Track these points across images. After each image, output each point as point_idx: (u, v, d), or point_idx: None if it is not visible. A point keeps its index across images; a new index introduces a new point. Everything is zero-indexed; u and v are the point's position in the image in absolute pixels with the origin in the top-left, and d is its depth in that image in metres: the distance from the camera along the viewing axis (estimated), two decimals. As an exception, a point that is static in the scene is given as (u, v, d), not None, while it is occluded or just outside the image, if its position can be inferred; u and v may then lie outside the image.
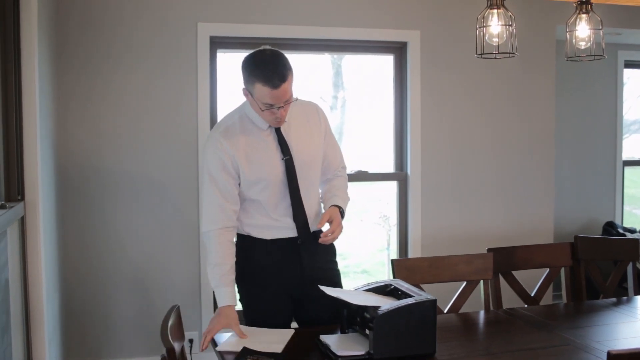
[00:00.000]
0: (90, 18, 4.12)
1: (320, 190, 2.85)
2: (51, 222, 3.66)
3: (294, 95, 2.58)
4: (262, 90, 2.48)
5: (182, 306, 2.55)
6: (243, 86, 2.59)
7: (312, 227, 2.72)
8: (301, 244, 2.69)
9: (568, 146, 5.86)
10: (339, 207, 2.72)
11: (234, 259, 2.66)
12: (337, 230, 2.64)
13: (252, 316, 2.77)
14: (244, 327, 2.58)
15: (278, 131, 2.66)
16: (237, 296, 2.75)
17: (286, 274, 2.70)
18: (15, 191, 3.09)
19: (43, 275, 3.23)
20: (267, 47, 2.59)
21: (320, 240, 2.62)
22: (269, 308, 2.72)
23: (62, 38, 4.06)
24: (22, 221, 3.13)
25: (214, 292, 2.70)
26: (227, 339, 2.50)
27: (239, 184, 2.66)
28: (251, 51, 2.62)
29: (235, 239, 2.71)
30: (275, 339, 2.48)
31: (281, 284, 2.70)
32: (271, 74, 2.46)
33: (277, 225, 2.69)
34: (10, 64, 3.06)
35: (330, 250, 2.83)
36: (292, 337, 2.51)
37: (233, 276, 2.64)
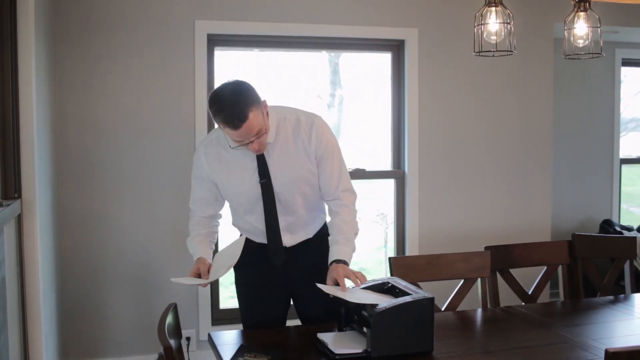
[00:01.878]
0: (89, 15, 4.11)
1: (320, 205, 2.80)
2: (48, 220, 3.65)
3: (265, 128, 2.47)
4: (226, 130, 2.44)
5: (179, 304, 2.55)
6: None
7: (287, 241, 2.71)
8: (277, 261, 2.71)
9: (565, 144, 5.86)
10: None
11: (210, 236, 2.77)
12: (359, 279, 2.50)
13: (246, 312, 2.80)
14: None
15: (259, 155, 2.60)
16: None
17: (279, 272, 2.70)
18: (12, 189, 3.08)
19: (40, 273, 3.22)
20: (231, 81, 2.49)
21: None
22: (263, 305, 2.74)
23: (59, 36, 4.05)
24: (19, 219, 3.12)
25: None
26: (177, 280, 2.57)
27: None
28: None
29: (210, 225, 2.81)
30: (227, 259, 2.55)
31: (274, 282, 2.71)
32: (229, 116, 2.38)
33: (258, 230, 2.71)
34: (7, 62, 3.05)
35: (327, 250, 2.82)
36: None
37: (206, 241, 2.73)
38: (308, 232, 2.75)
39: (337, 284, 2.48)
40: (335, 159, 2.71)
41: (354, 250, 2.67)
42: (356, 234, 2.71)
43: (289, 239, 2.70)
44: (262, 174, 2.60)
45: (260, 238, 2.72)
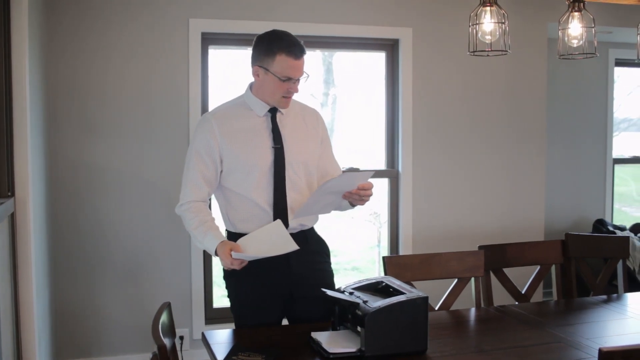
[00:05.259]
0: (82, 14, 4.10)
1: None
2: (41, 219, 3.64)
3: (309, 75, 2.68)
4: (283, 61, 2.57)
5: (172, 303, 2.54)
6: (254, 65, 2.64)
7: (292, 223, 2.68)
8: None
9: (559, 144, 5.88)
10: None
11: (212, 217, 2.68)
12: (369, 190, 2.61)
13: (240, 313, 2.76)
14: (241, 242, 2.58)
15: (273, 120, 2.69)
16: (226, 292, 2.78)
17: (274, 272, 2.68)
18: (5, 187, 3.07)
19: (33, 272, 3.21)
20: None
21: (353, 192, 2.59)
22: (257, 306, 2.71)
23: (51, 35, 4.04)
24: (12, 218, 3.11)
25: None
26: (238, 255, 2.47)
27: (221, 172, 2.69)
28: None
29: (209, 211, 2.72)
30: (279, 241, 2.51)
31: (269, 282, 2.69)
32: (292, 45, 2.58)
33: (259, 215, 2.66)
34: (0, 63, 3.04)
35: (322, 250, 2.83)
36: (286, 333, 2.50)
37: (216, 225, 2.65)
38: (308, 218, 2.75)
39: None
40: (331, 147, 2.91)
41: None
42: None
43: (292, 220, 2.69)
44: (276, 139, 2.67)
45: (259, 225, 2.67)
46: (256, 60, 2.64)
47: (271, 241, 2.53)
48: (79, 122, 4.14)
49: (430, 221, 4.78)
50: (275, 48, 2.57)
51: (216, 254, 2.56)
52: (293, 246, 2.49)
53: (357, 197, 2.61)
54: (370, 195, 2.65)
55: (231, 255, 2.47)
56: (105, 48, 4.15)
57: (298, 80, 2.63)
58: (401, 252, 4.72)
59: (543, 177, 5.05)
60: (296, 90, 2.66)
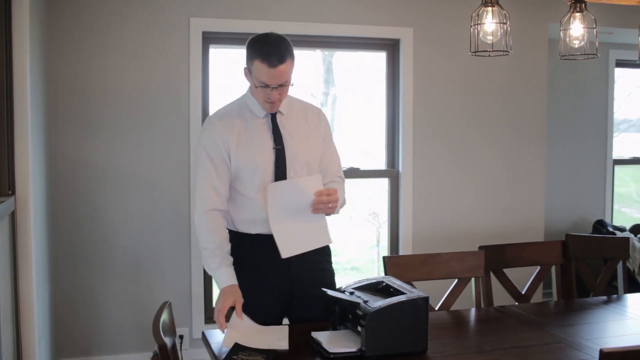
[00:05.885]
0: (82, 12, 4.10)
1: None
2: (42, 217, 3.64)
3: (292, 83, 2.63)
4: (259, 67, 2.54)
5: (172, 302, 2.54)
6: (245, 65, 2.64)
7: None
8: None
9: (559, 144, 5.88)
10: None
11: (229, 242, 2.67)
12: (333, 196, 2.56)
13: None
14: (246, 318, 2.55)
15: (274, 121, 2.69)
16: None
17: (274, 272, 2.68)
18: (6, 186, 3.07)
19: (33, 271, 3.21)
20: (274, 33, 2.65)
21: (315, 201, 2.56)
22: (257, 306, 2.70)
23: (53, 33, 4.04)
24: (13, 216, 3.11)
25: (208, 283, 2.67)
26: (229, 334, 2.43)
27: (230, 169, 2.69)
28: (242, 47, 2.64)
29: (226, 224, 2.72)
30: (275, 336, 2.46)
31: (269, 282, 2.69)
32: (270, 53, 2.52)
33: (261, 215, 2.65)
34: (1, 61, 3.04)
35: (322, 250, 2.82)
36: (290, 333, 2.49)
37: (231, 258, 2.64)
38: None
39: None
40: (334, 145, 2.88)
41: (342, 205, 2.77)
42: (344, 202, 2.81)
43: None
44: (277, 140, 2.67)
45: (261, 225, 2.67)
46: (245, 59, 2.64)
47: (269, 337, 2.47)
48: (79, 121, 4.14)
49: (430, 221, 4.78)
50: (254, 53, 2.55)
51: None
52: (284, 345, 2.42)
53: (322, 206, 2.56)
54: (336, 200, 2.59)
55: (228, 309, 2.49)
56: (106, 47, 4.15)
57: (277, 87, 2.57)
58: (401, 252, 4.73)
59: (543, 177, 5.06)
60: (275, 98, 2.60)
